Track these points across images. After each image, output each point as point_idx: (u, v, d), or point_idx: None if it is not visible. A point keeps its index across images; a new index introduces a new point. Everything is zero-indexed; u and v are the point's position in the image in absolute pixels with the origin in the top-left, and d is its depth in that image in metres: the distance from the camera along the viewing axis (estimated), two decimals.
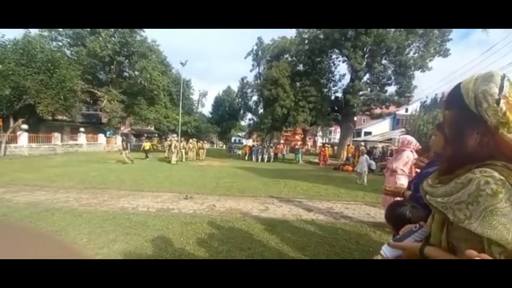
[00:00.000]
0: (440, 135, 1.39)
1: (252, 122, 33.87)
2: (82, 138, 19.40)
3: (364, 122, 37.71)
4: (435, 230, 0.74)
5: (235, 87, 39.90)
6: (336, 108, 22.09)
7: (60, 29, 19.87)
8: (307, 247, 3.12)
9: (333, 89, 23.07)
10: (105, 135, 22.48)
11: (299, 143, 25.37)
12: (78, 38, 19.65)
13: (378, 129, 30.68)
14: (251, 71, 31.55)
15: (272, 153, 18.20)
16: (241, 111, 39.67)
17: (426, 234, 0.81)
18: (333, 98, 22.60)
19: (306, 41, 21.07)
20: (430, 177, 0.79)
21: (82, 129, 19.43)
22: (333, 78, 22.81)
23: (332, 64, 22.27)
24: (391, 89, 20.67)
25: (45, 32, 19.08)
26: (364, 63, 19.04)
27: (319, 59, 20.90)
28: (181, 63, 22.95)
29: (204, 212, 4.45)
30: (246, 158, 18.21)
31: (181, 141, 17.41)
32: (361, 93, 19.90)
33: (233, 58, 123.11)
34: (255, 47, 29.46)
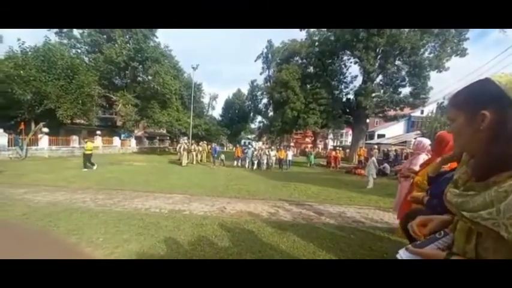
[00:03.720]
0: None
1: (261, 124, 33.99)
2: (98, 140, 20.13)
3: (377, 124, 36.80)
4: (460, 240, 0.70)
5: (245, 90, 40.34)
6: (348, 111, 21.74)
7: (79, 37, 20.90)
8: (319, 252, 3.06)
9: (344, 90, 22.78)
10: (120, 138, 23.23)
11: (309, 145, 25.12)
12: (96, 45, 20.55)
13: (392, 131, 29.78)
14: (261, 73, 31.80)
15: (274, 158, 14.14)
16: (251, 113, 39.93)
17: (449, 242, 0.76)
18: (344, 100, 22.28)
19: (317, 43, 20.98)
20: (451, 185, 0.73)
21: (98, 132, 20.19)
22: (344, 80, 22.52)
23: (343, 66, 22.02)
24: (406, 91, 20.13)
25: (65, 40, 20.12)
26: (377, 64, 18.68)
27: (330, 60, 20.74)
28: (193, 67, 23.46)
29: (214, 214, 4.49)
30: (236, 163, 14.24)
31: (192, 144, 17.69)
32: (373, 95, 19.51)
33: (243, 61, 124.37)
34: (265, 50, 29.67)
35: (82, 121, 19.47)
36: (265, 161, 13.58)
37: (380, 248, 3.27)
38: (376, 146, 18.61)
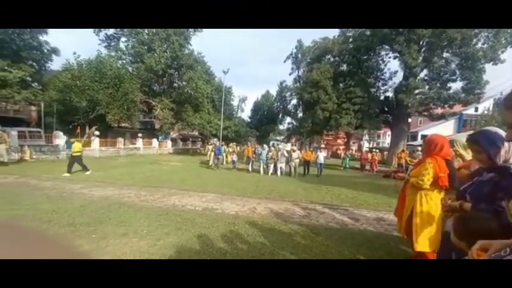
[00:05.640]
0: None
1: (291, 125, 33.52)
2: (139, 142, 22.05)
3: (421, 123, 33.45)
4: None
5: (274, 91, 40.32)
6: (386, 109, 20.19)
7: (124, 49, 23.23)
8: (356, 259, 2.89)
9: (382, 88, 21.26)
10: (158, 140, 25.11)
11: (342, 147, 23.96)
12: (138, 55, 22.63)
13: (439, 131, 26.60)
14: (290, 74, 31.46)
15: (297, 161, 10.95)
16: (280, 115, 39.68)
17: None
18: (382, 98, 20.76)
19: (351, 39, 20.00)
20: None
21: (140, 134, 22.13)
22: (382, 77, 21.00)
23: (381, 61, 20.57)
24: (456, 86, 17.93)
25: (113, 52, 22.54)
26: (420, 58, 17.00)
27: (365, 57, 19.56)
28: (224, 72, 24.33)
29: (245, 214, 4.55)
30: (250, 168, 11.91)
31: (222, 145, 18.25)
32: (417, 91, 17.77)
33: (272, 62, 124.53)
34: (295, 50, 29.26)
35: (126, 124, 21.59)
36: (283, 165, 10.79)
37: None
38: (420, 148, 16.89)
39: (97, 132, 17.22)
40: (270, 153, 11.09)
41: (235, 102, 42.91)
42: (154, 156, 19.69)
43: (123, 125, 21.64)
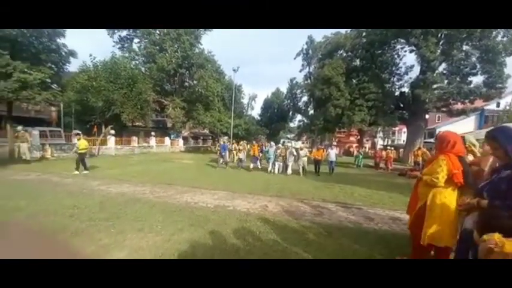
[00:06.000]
0: None
1: (301, 123, 33.17)
2: (152, 141, 22.62)
3: (439, 120, 32.03)
4: None
5: (284, 89, 40.01)
6: (402, 105, 19.47)
7: (137, 50, 23.79)
8: (371, 258, 2.82)
9: (397, 83, 20.51)
10: (170, 138, 25.64)
11: (354, 145, 23.43)
12: (150, 56, 23.11)
13: (459, 128, 25.50)
14: (300, 71, 31.09)
15: (305, 160, 10.52)
16: (290, 112, 39.34)
17: None
18: (397, 93, 20.03)
19: (364, 33, 19.38)
20: None
21: (153, 133, 22.69)
22: (397, 72, 20.22)
23: (396, 56, 19.79)
24: (477, 80, 17.02)
25: (126, 54, 23.15)
26: (439, 51, 16.24)
27: (379, 51, 18.89)
28: (234, 70, 24.37)
29: (256, 211, 4.55)
30: (256, 166, 11.39)
31: (232, 143, 18.34)
32: (435, 86, 17.00)
33: (282, 60, 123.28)
34: (305, 46, 28.82)
35: (140, 123, 22.17)
36: (290, 164, 10.33)
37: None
38: None
39: (113, 131, 17.82)
40: (278, 151, 10.66)
41: (245, 100, 43.01)
42: (166, 154, 20.12)
43: (137, 124, 22.26)
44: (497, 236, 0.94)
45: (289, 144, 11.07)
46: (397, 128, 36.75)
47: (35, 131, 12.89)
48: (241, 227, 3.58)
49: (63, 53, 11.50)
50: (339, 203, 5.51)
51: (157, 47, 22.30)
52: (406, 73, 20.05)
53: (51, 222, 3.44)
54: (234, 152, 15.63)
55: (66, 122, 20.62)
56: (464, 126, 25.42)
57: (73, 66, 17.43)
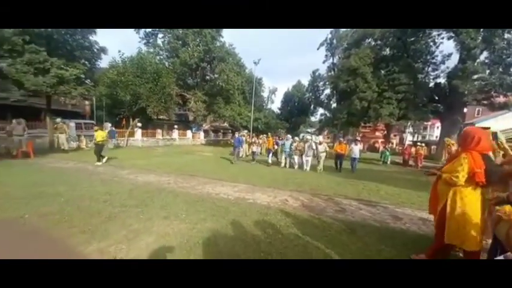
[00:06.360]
0: None
1: (323, 117, 32.17)
2: (175, 133, 23.51)
3: (479, 114, 29.08)
4: None
5: (306, 81, 38.96)
6: (437, 98, 17.85)
7: (161, 45, 24.54)
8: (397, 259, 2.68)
9: (432, 74, 18.67)
10: (191, 131, 26.45)
11: (380, 140, 22.24)
12: (173, 50, 23.74)
13: (502, 124, 22.91)
14: (324, 62, 29.97)
15: (323, 155, 9.73)
16: (312, 106, 38.32)
17: None
18: (431, 85, 18.37)
19: None
20: None
21: (176, 126, 23.56)
22: (433, 61, 18.35)
23: (432, 43, 17.98)
24: None
25: (151, 49, 24.00)
26: (480, 38, 14.60)
27: (412, 38, 17.34)
28: (255, 62, 24.20)
29: (277, 205, 4.53)
30: (270, 161, 10.82)
31: (252, 137, 18.38)
32: (475, 76, 15.35)
33: (304, 51, 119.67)
34: (329, 36, 27.60)
35: (164, 117, 23.12)
36: (309, 158, 9.60)
37: None
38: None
39: (139, 124, 18.80)
40: (295, 144, 10.03)
41: (265, 94, 42.65)
42: (188, 146, 20.83)
43: (161, 117, 23.20)
44: (508, 207, 0.83)
45: (308, 137, 10.30)
46: (429, 123, 34.05)
47: (72, 123, 14.06)
48: (262, 220, 3.59)
49: (95, 50, 12.24)
50: (362, 200, 5.30)
51: (180, 42, 22.80)
52: (443, 62, 18.20)
53: (87, 207, 3.74)
54: (250, 146, 15.51)
55: (98, 115, 22.18)
56: (506, 122, 22.77)
57: (103, 62, 18.57)
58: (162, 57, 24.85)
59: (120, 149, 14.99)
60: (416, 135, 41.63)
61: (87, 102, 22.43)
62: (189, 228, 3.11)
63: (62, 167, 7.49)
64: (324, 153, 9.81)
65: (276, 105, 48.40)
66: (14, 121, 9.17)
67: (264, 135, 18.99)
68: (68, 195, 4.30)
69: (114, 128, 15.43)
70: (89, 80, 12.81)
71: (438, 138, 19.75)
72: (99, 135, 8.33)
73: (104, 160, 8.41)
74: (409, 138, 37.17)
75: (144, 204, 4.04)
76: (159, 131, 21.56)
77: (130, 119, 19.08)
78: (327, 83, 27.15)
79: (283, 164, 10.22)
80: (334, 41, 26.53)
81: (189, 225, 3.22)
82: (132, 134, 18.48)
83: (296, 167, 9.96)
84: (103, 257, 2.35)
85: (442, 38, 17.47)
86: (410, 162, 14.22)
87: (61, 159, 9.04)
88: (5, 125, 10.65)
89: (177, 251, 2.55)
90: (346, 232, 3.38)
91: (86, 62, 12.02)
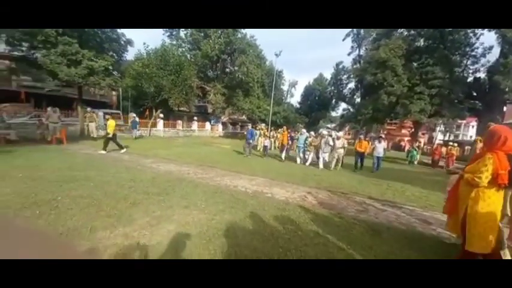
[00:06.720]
0: None
1: (345, 112, 30.93)
2: (194, 125, 24.07)
3: None
4: None
5: (328, 74, 37.56)
6: (475, 94, 16.32)
7: (184, 37, 24.86)
8: None
9: (471, 67, 17.03)
10: (210, 123, 26.90)
11: (406, 138, 20.94)
12: (195, 42, 23.99)
13: None
14: (349, 54, 28.59)
15: (342, 151, 8.84)
16: (333, 100, 37.00)
17: None
18: (469, 79, 16.78)
19: None
20: None
21: (195, 118, 24.08)
22: (473, 53, 16.67)
23: (472, 34, 16.36)
24: None
25: (174, 41, 24.45)
26: None
27: (451, 28, 15.88)
28: (276, 54, 23.73)
29: (295, 201, 4.44)
30: (283, 157, 10.17)
31: (270, 130, 18.23)
32: None
33: (328, 43, 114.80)
34: None
35: (184, 108, 23.69)
36: (326, 155, 8.90)
37: None
38: None
39: (161, 115, 19.47)
40: (310, 139, 9.43)
41: (285, 87, 41.91)
42: (207, 138, 21.24)
43: (182, 109, 23.80)
44: None
45: (324, 133, 9.56)
46: (463, 121, 31.29)
47: (100, 113, 14.90)
48: (280, 215, 3.53)
49: (122, 42, 12.72)
50: (387, 201, 5.01)
51: (202, 34, 22.95)
52: (484, 55, 16.44)
53: (113, 192, 3.93)
54: (272, 140, 15.43)
55: (124, 105, 23.30)
56: None
57: (129, 54, 19.32)
58: (184, 49, 25.25)
59: (144, 139, 15.68)
60: (448, 135, 38.57)
61: (114, 93, 23.62)
62: (209, 219, 3.14)
63: (91, 153, 7.98)
64: (342, 150, 8.91)
65: (295, 99, 47.56)
66: (49, 109, 9.91)
67: (281, 129, 18.76)
68: (96, 180, 4.56)
69: (137, 119, 16.07)
70: (116, 72, 13.41)
71: (473, 138, 18.10)
72: (111, 125, 8.14)
73: (104, 152, 8.02)
74: (439, 137, 34.49)
75: (165, 192, 4.16)
76: (179, 122, 22.19)
77: (153, 110, 19.80)
78: (352, 76, 25.87)
79: (298, 161, 9.74)
80: (362, 32, 25.04)
81: (208, 215, 3.25)
82: (154, 125, 19.19)
83: (307, 163, 9.31)
84: (128, 241, 2.44)
85: (484, 29, 15.75)
86: (441, 163, 13.23)
87: (91, 146, 9.65)
88: (41, 113, 11.56)
89: (197, 240, 2.58)
90: (369, 233, 3.20)
91: (114, 54, 12.57)
